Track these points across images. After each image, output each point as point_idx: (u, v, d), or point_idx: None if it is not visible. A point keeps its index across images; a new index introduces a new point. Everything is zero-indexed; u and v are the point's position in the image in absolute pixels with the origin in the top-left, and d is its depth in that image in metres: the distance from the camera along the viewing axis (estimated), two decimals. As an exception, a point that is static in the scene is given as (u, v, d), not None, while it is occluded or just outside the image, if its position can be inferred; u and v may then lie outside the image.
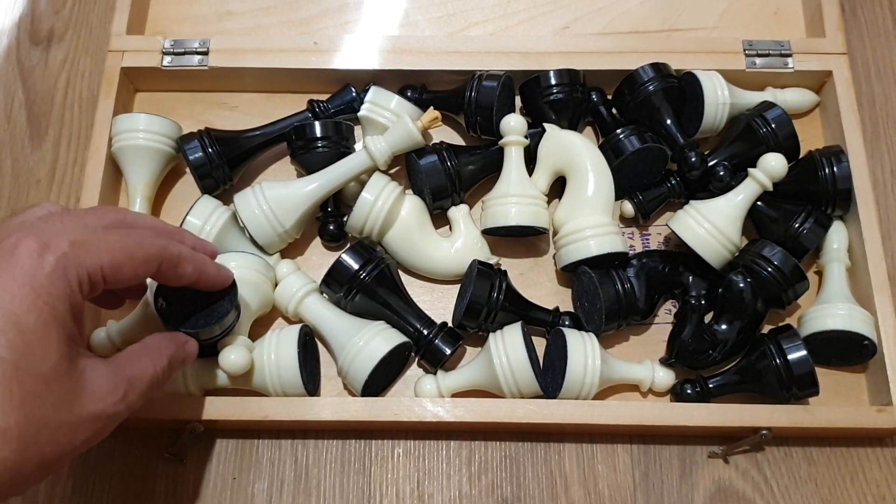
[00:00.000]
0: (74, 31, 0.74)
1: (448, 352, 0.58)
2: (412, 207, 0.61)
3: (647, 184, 0.64)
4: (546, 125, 0.63)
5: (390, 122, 0.62)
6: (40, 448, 0.38)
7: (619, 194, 0.62)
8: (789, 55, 0.67)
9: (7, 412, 0.36)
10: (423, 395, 0.57)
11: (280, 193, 0.60)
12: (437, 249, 0.62)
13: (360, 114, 0.63)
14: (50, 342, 0.38)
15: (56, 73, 0.72)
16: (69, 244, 0.40)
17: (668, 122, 0.63)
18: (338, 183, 0.60)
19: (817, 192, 0.61)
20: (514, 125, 0.61)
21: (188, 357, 0.50)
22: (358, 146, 0.65)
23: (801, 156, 0.63)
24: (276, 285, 0.60)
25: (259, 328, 0.61)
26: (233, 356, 0.53)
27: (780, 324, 0.59)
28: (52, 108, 0.71)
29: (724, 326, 0.58)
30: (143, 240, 0.44)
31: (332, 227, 0.63)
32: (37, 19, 0.74)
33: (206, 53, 0.67)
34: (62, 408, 0.39)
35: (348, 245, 0.64)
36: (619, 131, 0.62)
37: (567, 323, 0.60)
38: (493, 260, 0.62)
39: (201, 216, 0.59)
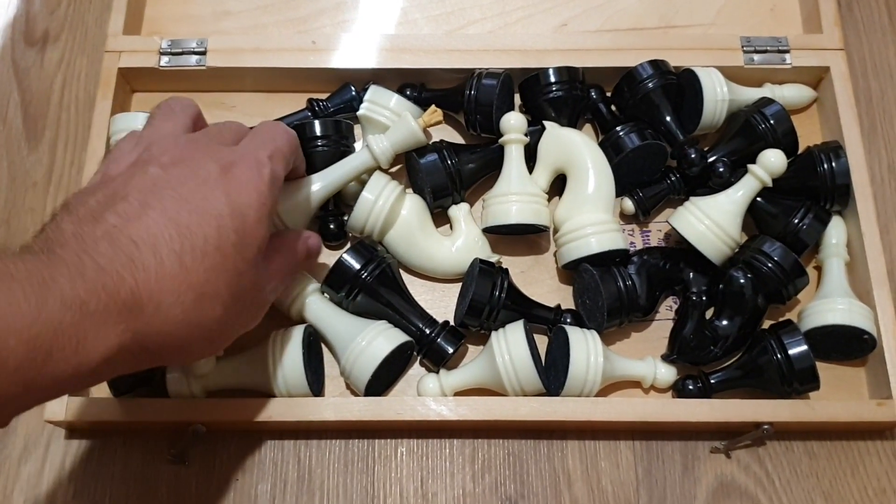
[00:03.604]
0: (70, 31, 0.73)
1: (450, 350, 0.58)
2: (413, 206, 0.61)
3: (647, 181, 0.64)
4: (546, 123, 0.63)
5: (390, 120, 0.62)
6: (232, 319, 0.45)
7: (619, 191, 0.62)
8: (787, 51, 0.67)
9: (224, 282, 0.43)
10: (426, 394, 0.57)
11: (282, 195, 0.59)
12: (438, 248, 0.62)
13: (359, 113, 0.63)
14: (259, 235, 0.46)
15: (52, 75, 0.71)
16: (269, 158, 0.48)
17: (668, 118, 0.63)
18: (340, 182, 0.60)
19: (816, 187, 0.61)
20: (514, 123, 0.61)
21: (311, 250, 0.56)
22: (358, 145, 0.65)
23: (799, 152, 0.63)
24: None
25: (259, 329, 0.61)
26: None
27: (781, 319, 0.60)
28: (49, 109, 0.70)
29: (725, 322, 0.58)
30: (281, 132, 0.53)
31: (332, 227, 0.63)
32: (31, 20, 0.74)
33: (203, 53, 0.66)
34: (252, 290, 0.47)
35: (349, 245, 0.64)
36: (618, 128, 0.62)
37: (569, 320, 0.60)
38: (494, 258, 0.62)
39: None
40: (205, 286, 0.42)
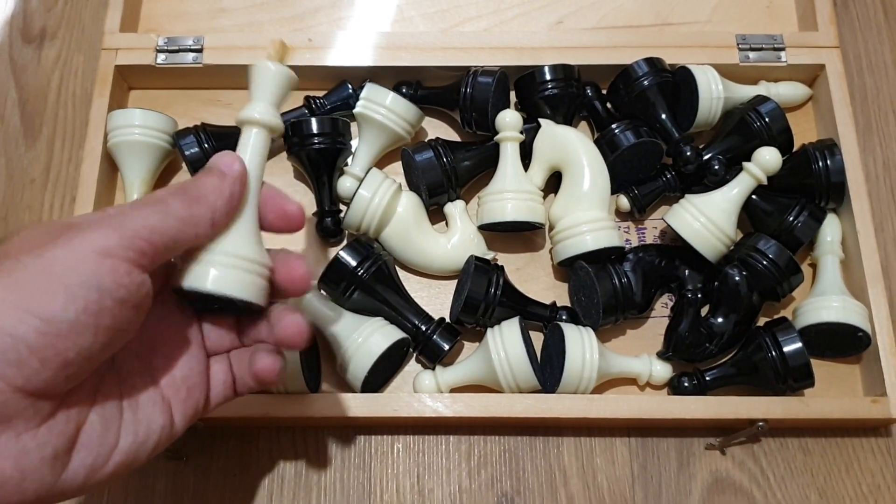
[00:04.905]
0: (67, 28, 0.73)
1: (446, 347, 0.58)
2: (409, 204, 0.61)
3: (643, 178, 0.64)
4: (541, 120, 0.63)
5: (386, 118, 0.62)
6: None
7: (615, 189, 0.63)
8: (782, 49, 0.67)
9: None
10: (422, 391, 0.57)
11: None
12: (434, 245, 0.62)
13: (355, 111, 0.63)
14: None
15: (49, 72, 0.72)
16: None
17: (663, 116, 0.63)
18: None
19: (811, 185, 0.61)
20: (509, 121, 0.62)
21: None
22: (354, 142, 0.65)
23: (794, 149, 0.64)
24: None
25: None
26: None
27: (776, 316, 0.60)
28: (46, 106, 0.70)
29: (720, 319, 0.58)
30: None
31: (328, 224, 0.63)
32: (29, 17, 0.74)
33: (200, 51, 0.66)
34: None
35: (345, 242, 0.64)
36: (614, 126, 0.62)
37: (564, 317, 0.60)
38: (489, 255, 0.62)
39: None
40: None
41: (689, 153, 0.62)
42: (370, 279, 0.58)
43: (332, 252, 0.59)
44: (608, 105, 0.67)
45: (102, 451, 0.37)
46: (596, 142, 0.63)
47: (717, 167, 0.61)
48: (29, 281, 0.32)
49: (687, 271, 0.61)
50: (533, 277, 0.64)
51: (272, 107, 0.45)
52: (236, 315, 0.44)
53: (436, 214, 0.64)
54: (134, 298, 0.35)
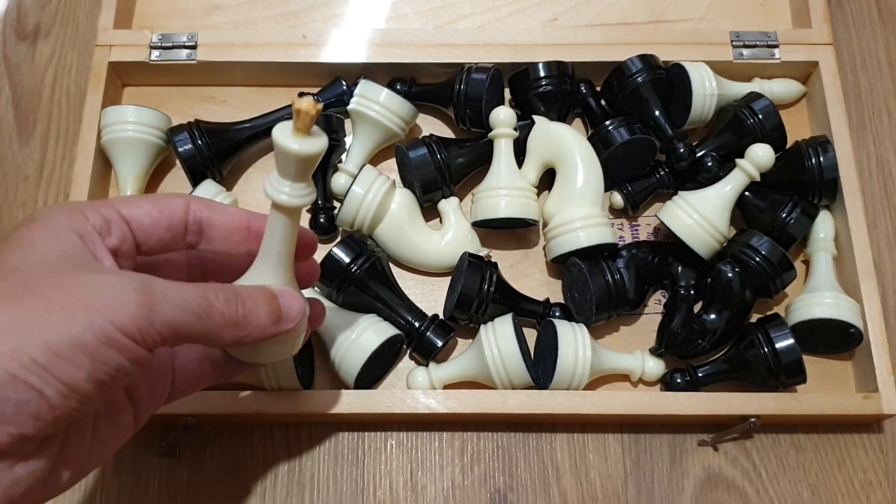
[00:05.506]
0: (61, 25, 0.73)
1: (440, 344, 0.58)
2: (402, 200, 0.61)
3: (636, 175, 0.64)
4: (535, 117, 0.63)
5: (380, 115, 0.62)
6: None
7: (609, 186, 0.63)
8: (776, 46, 0.67)
9: None
10: (416, 387, 0.57)
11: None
12: (428, 242, 0.62)
13: (349, 107, 0.63)
14: None
15: (43, 69, 0.72)
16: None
17: (657, 113, 0.64)
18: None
19: (804, 182, 0.61)
20: (503, 117, 0.62)
21: None
22: (348, 140, 0.65)
23: (787, 146, 0.64)
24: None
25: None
26: None
27: (768, 313, 0.60)
28: (40, 103, 0.70)
29: (712, 316, 0.59)
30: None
31: (322, 220, 0.63)
32: (23, 14, 0.74)
33: (194, 48, 0.66)
34: None
35: (339, 238, 0.64)
36: (607, 123, 0.62)
37: (557, 314, 0.60)
38: (483, 252, 0.62)
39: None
40: None
41: (682, 150, 0.62)
42: (363, 275, 0.58)
43: (326, 249, 0.59)
44: (602, 102, 0.67)
45: (78, 464, 0.38)
46: (590, 139, 0.63)
47: (710, 164, 0.61)
48: (60, 345, 0.33)
49: (680, 268, 0.61)
50: (526, 274, 0.64)
51: (301, 185, 0.40)
52: None
53: (429, 211, 0.64)
54: (137, 370, 0.36)
